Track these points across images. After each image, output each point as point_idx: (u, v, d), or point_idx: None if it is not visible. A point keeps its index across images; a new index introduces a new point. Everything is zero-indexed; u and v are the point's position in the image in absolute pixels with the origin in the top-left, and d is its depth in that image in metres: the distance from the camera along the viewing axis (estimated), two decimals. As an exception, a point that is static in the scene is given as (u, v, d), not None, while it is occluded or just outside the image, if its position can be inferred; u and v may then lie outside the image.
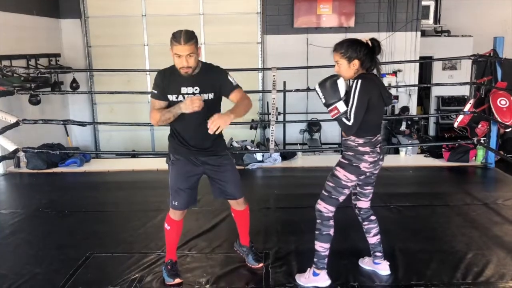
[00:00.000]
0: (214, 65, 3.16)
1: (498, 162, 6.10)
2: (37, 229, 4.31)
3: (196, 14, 8.50)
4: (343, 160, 2.98)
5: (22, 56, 6.97)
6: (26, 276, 3.35)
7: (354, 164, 2.93)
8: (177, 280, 3.18)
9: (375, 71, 2.95)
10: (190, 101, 2.84)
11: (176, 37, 2.89)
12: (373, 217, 3.23)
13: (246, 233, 3.45)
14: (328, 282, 3.10)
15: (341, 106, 2.82)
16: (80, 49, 8.72)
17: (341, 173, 2.96)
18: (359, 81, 2.79)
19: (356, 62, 2.84)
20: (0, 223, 4.46)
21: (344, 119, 2.83)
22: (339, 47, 2.89)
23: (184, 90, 2.99)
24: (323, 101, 2.86)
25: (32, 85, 6.41)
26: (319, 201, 3.05)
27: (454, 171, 5.93)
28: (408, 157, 6.52)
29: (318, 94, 2.89)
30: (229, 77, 3.12)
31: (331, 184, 3.00)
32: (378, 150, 2.96)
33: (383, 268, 3.27)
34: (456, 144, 6.29)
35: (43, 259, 3.62)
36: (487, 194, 4.94)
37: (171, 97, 2.99)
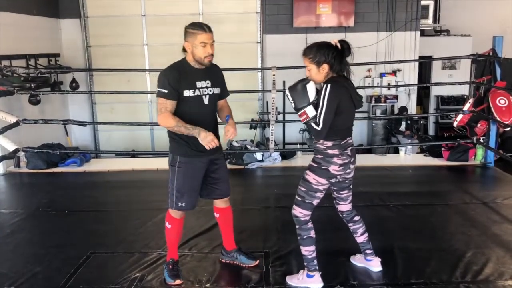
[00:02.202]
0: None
1: (497, 161, 6.11)
2: (37, 228, 4.32)
3: (195, 14, 8.49)
4: (312, 164, 2.99)
5: (22, 56, 6.97)
6: (27, 275, 3.35)
7: (323, 167, 2.93)
8: (178, 282, 3.19)
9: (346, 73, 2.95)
10: (211, 139, 2.92)
11: (199, 26, 2.97)
12: (356, 218, 3.24)
13: (231, 234, 3.46)
14: (320, 284, 3.09)
15: (310, 110, 2.83)
16: (79, 49, 8.73)
17: (311, 177, 2.97)
18: (328, 85, 2.79)
19: (325, 66, 2.84)
20: (0, 222, 4.47)
21: (313, 124, 2.83)
22: (308, 52, 2.89)
23: (199, 84, 3.03)
24: (293, 105, 2.88)
25: (32, 85, 6.41)
26: (294, 206, 3.05)
27: (453, 170, 5.94)
28: (408, 156, 6.53)
29: (288, 98, 2.90)
30: (225, 82, 3.26)
31: (303, 189, 3.01)
32: (349, 153, 2.97)
33: (375, 265, 3.28)
34: (456, 144, 6.31)
35: (43, 258, 3.62)
36: (486, 193, 4.95)
37: (188, 92, 2.99)
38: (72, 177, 6.01)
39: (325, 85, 2.80)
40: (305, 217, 3.03)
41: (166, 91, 2.94)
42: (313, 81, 2.88)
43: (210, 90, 3.08)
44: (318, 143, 2.94)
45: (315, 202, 3.01)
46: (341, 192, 3.14)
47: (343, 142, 2.93)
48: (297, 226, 3.06)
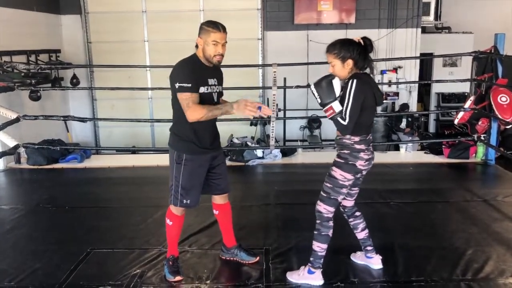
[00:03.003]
0: None
1: (498, 159, 6.10)
2: (37, 224, 4.31)
3: (196, 10, 8.49)
4: (338, 160, 2.98)
5: (23, 52, 6.96)
6: (27, 271, 3.35)
7: (350, 162, 2.93)
8: (178, 278, 3.19)
9: (368, 70, 2.96)
10: (248, 104, 2.81)
11: (214, 25, 2.96)
12: (357, 213, 3.24)
13: (231, 231, 3.46)
14: (321, 281, 3.09)
15: (336, 106, 2.82)
16: (80, 45, 8.72)
17: (337, 173, 2.97)
18: (355, 80, 2.79)
19: (350, 62, 2.85)
20: (0, 218, 4.46)
21: (339, 119, 2.84)
22: (332, 48, 2.89)
23: (209, 81, 3.04)
24: (319, 101, 2.88)
25: (33, 81, 6.41)
26: (318, 202, 3.05)
27: (454, 168, 5.93)
28: (408, 153, 6.53)
29: (313, 94, 2.90)
30: None
31: (329, 185, 3.00)
32: (371, 149, 3.01)
33: (375, 262, 3.28)
34: (456, 141, 6.29)
35: (43, 254, 3.62)
36: (487, 191, 4.94)
37: (203, 89, 2.98)
38: (72, 173, 6.01)
39: (350, 80, 2.81)
40: (328, 214, 3.02)
41: (190, 85, 2.91)
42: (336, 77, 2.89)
43: (217, 88, 3.11)
44: (345, 138, 2.94)
45: (340, 198, 3.02)
46: (353, 189, 3.14)
47: (367, 137, 2.96)
48: (317, 221, 3.05)
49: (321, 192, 3.04)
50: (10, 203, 4.96)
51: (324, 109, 2.87)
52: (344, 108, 2.82)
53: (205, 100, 2.99)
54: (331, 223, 3.04)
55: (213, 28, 2.94)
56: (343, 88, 2.86)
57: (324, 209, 3.02)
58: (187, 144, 3.06)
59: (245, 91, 7.75)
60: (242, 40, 8.58)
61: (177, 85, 2.92)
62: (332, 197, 2.99)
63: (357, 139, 2.92)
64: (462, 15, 10.14)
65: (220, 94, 3.16)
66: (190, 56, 3.06)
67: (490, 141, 5.92)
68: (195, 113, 2.90)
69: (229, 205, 3.41)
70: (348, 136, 2.92)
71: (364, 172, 3.03)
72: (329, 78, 2.87)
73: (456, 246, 3.62)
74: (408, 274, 3.21)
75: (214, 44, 2.94)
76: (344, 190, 3.00)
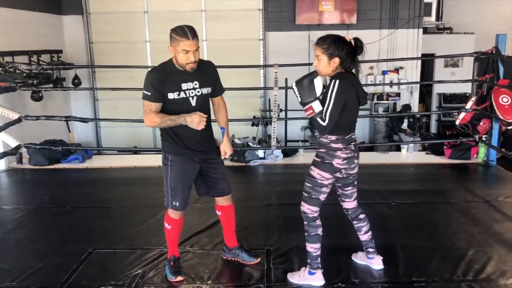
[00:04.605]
0: (206, 60, 3.21)
1: (499, 160, 6.09)
2: (39, 224, 4.32)
3: (198, 11, 8.51)
4: (316, 159, 2.98)
5: (24, 52, 6.97)
6: (29, 271, 3.36)
7: (327, 161, 2.92)
8: (179, 278, 3.19)
9: (354, 70, 2.94)
10: (199, 120, 2.87)
11: (182, 33, 2.87)
12: (361, 216, 3.23)
13: (233, 231, 3.45)
14: (322, 282, 3.09)
15: (316, 106, 2.81)
16: (82, 45, 8.73)
17: (315, 172, 2.96)
18: (337, 81, 2.77)
19: (336, 60, 2.82)
20: (2, 218, 4.48)
21: (319, 119, 2.82)
22: (322, 42, 2.86)
23: (184, 86, 2.99)
24: (299, 99, 2.85)
25: (34, 81, 6.42)
26: (302, 202, 3.06)
27: (455, 169, 5.92)
28: (410, 154, 6.52)
29: (294, 92, 2.87)
30: (219, 78, 3.21)
31: (308, 185, 3.00)
32: (352, 148, 2.96)
33: (376, 263, 3.29)
34: (458, 142, 6.29)
35: (45, 254, 3.63)
36: (488, 192, 4.94)
37: (172, 95, 2.96)
38: (74, 174, 6.02)
39: (333, 81, 2.79)
40: (313, 214, 3.02)
41: (149, 94, 2.96)
42: (320, 72, 2.87)
43: (198, 91, 3.03)
44: (322, 137, 2.94)
45: (322, 197, 3.00)
46: (346, 189, 3.13)
47: (346, 136, 2.93)
48: (305, 223, 3.06)
49: (303, 192, 3.04)
50: (12, 203, 4.97)
51: (304, 108, 2.85)
52: (325, 109, 2.79)
53: (178, 105, 2.97)
54: (318, 222, 3.04)
55: (182, 36, 2.85)
56: (326, 88, 2.83)
57: (308, 209, 3.03)
58: (171, 144, 3.07)
59: (246, 92, 7.77)
60: (244, 40, 8.60)
61: (142, 91, 2.96)
62: (313, 196, 2.99)
63: (333, 138, 2.90)
64: (463, 15, 10.12)
65: (205, 96, 3.08)
66: (165, 62, 3.04)
67: (492, 142, 5.92)
68: (148, 120, 3.01)
69: (232, 207, 3.40)
70: (325, 135, 2.91)
71: (348, 171, 3.00)
72: (311, 76, 2.84)
73: (457, 247, 3.62)
74: (409, 275, 3.21)
75: (185, 53, 2.88)
76: (325, 189, 2.98)
